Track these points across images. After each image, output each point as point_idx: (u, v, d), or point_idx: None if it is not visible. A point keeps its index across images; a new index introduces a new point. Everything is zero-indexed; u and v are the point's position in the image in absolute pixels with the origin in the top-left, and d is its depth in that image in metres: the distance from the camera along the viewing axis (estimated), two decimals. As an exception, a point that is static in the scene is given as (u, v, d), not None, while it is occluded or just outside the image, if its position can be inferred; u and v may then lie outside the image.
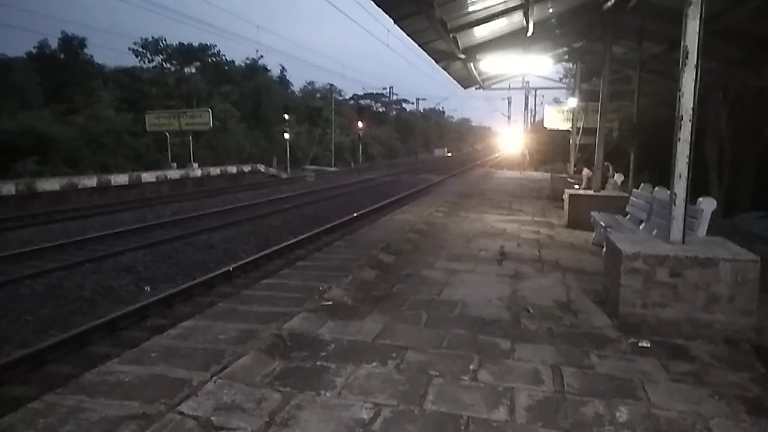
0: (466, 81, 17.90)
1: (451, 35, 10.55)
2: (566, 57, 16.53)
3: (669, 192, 4.66)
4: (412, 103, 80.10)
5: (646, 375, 3.47)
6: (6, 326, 6.72)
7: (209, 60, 46.62)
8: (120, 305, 7.38)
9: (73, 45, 37.33)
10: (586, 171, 11.89)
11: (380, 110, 77.30)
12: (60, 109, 31.21)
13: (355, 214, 15.57)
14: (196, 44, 45.32)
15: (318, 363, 3.56)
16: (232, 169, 31.56)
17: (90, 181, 21.16)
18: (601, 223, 7.50)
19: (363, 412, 2.93)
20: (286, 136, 38.65)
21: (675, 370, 3.56)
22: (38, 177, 21.23)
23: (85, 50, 37.94)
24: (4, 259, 9.97)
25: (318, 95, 60.33)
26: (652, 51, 12.10)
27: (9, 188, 17.68)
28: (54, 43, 37.10)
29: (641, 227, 7.14)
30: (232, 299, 5.20)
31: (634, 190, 8.94)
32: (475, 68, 14.71)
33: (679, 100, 4.36)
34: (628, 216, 8.07)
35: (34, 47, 36.95)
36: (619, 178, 11.40)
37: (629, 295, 4.33)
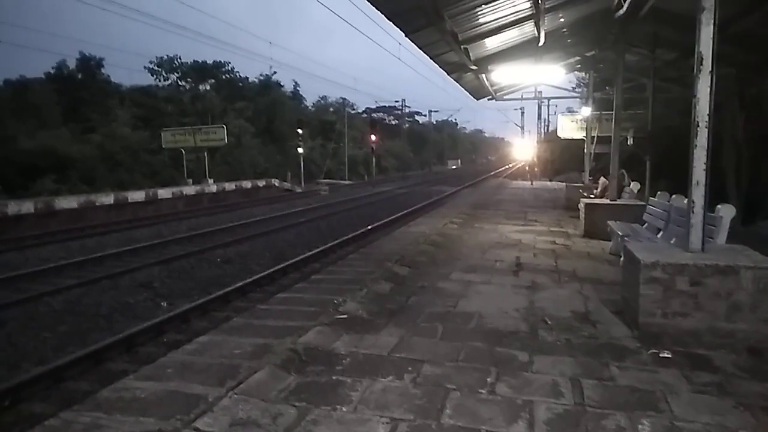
0: (479, 92, 17.94)
1: (462, 47, 10.60)
2: (579, 66, 16.49)
3: (686, 200, 4.59)
4: (425, 116, 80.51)
5: (668, 386, 3.39)
6: (25, 343, 6.79)
7: (223, 77, 47.22)
8: (137, 321, 7.42)
9: (90, 65, 38.10)
10: (602, 180, 11.78)
11: (393, 123, 77.63)
12: (78, 128, 31.81)
13: (369, 227, 15.56)
14: (210, 62, 46.01)
15: (333, 377, 3.54)
16: (247, 184, 31.77)
17: (107, 199, 21.39)
18: (618, 232, 7.41)
19: (379, 427, 2.90)
20: (300, 150, 38.89)
21: (697, 381, 3.48)
22: (56, 195, 21.56)
23: (102, 70, 38.79)
24: (24, 276, 10.09)
25: (331, 109, 60.79)
26: (666, 58, 12.03)
27: (28, 206, 17.93)
28: (72, 64, 37.98)
29: (659, 236, 7.05)
30: (247, 314, 5.20)
31: (650, 198, 8.84)
32: (487, 79, 14.74)
33: (695, 107, 4.32)
34: (646, 225, 7.97)
35: (53, 68, 37.83)
36: (635, 186, 11.29)
37: (648, 305, 4.26)
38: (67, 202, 19.65)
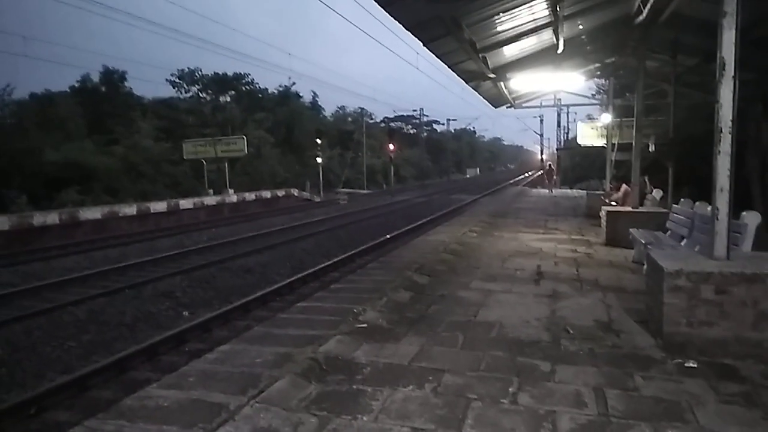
0: (497, 100, 17.87)
1: (480, 55, 10.57)
2: (598, 73, 16.35)
3: (710, 207, 4.52)
4: (443, 124, 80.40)
5: (694, 397, 3.33)
6: (50, 352, 6.90)
7: (243, 88, 47.76)
8: (159, 330, 7.51)
9: (113, 78, 38.84)
10: (623, 187, 11.66)
11: (411, 132, 77.65)
12: (101, 140, 32.39)
13: (388, 236, 15.57)
14: (230, 74, 46.60)
15: (354, 386, 3.54)
16: (267, 194, 32.02)
17: (130, 209, 21.72)
18: (641, 240, 7.32)
19: (400, 437, 2.89)
20: (319, 160, 39.15)
21: (724, 391, 3.41)
22: (81, 206, 21.95)
23: (125, 83, 39.47)
24: (49, 286, 10.27)
25: (349, 119, 61.07)
26: (688, 64, 11.88)
27: (53, 217, 18.28)
28: (96, 77, 38.72)
29: (683, 243, 6.94)
30: (268, 323, 5.22)
31: (673, 205, 8.73)
32: (505, 87, 14.68)
33: (718, 113, 4.26)
34: (669, 232, 7.87)
35: (77, 81, 38.59)
36: (657, 193, 11.15)
37: (673, 314, 4.19)
38: (91, 213, 20.00)
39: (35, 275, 11.58)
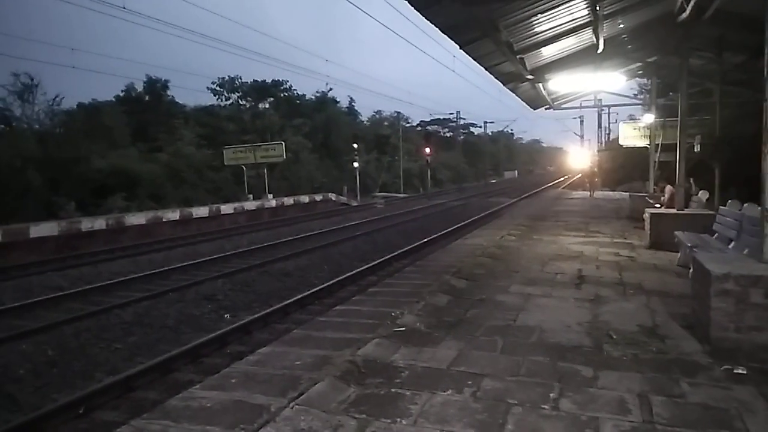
0: (535, 102, 17.69)
1: (518, 57, 10.50)
2: (640, 72, 16.03)
3: (760, 208, 4.37)
4: (480, 127, 79.73)
5: (743, 404, 3.22)
6: (98, 353, 7.12)
7: (282, 95, 48.39)
8: (202, 333, 7.66)
9: (156, 87, 40.04)
10: (668, 188, 11.35)
11: (447, 135, 77.30)
12: (145, 147, 33.41)
13: (425, 240, 15.53)
14: (269, 81, 47.26)
15: (392, 390, 3.54)
16: (305, 199, 32.34)
17: (173, 215, 22.24)
18: (687, 243, 7.11)
19: (440, 441, 2.88)
20: (356, 164, 39.35)
21: (777, 399, 3.29)
22: (126, 212, 22.64)
23: (168, 91, 40.64)
24: (96, 289, 10.60)
25: (385, 123, 61.16)
26: (734, 61, 11.53)
27: (101, 223, 18.88)
28: (139, 86, 40.00)
29: (730, 246, 6.73)
30: (306, 326, 5.28)
31: (720, 207, 8.46)
32: (543, 88, 14.52)
33: (766, 111, 4.12)
34: (716, 235, 7.63)
35: (122, 90, 40.00)
36: (703, 195, 10.82)
37: (721, 319, 4.06)
38: (136, 219, 20.58)
39: (83, 279, 11.98)
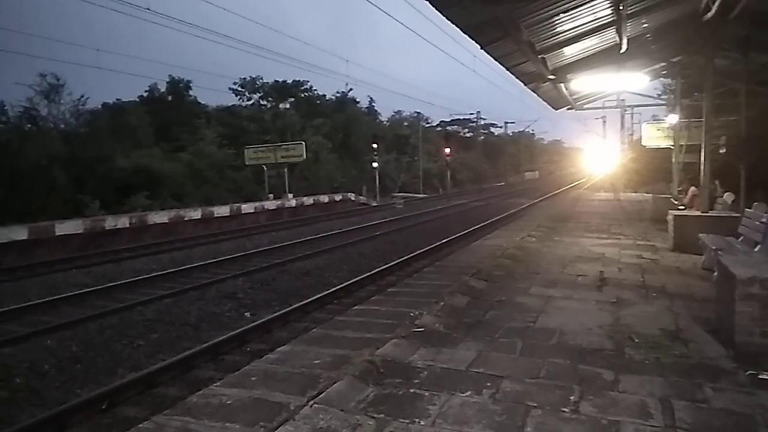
0: (557, 102, 17.53)
1: (539, 56, 10.42)
2: (664, 72, 15.79)
3: (788, 211, 4.28)
4: (501, 127, 79.27)
5: (768, 411, 3.16)
6: (120, 350, 7.24)
7: (302, 95, 48.66)
8: (222, 331, 7.74)
9: (179, 87, 40.60)
10: (692, 190, 11.17)
11: (467, 135, 76.96)
12: (168, 147, 33.88)
13: (444, 240, 15.48)
14: (290, 81, 47.56)
15: (411, 390, 3.54)
16: (324, 199, 32.47)
17: (195, 213, 22.49)
18: (711, 246, 6.99)
19: (458, 442, 2.87)
20: (375, 164, 39.38)
21: (805, 406, 3.21)
22: (149, 210, 22.96)
23: (190, 92, 41.13)
24: (120, 287, 10.77)
25: (405, 123, 61.10)
26: (761, 61, 11.30)
27: (124, 221, 19.18)
28: (162, 87, 40.60)
29: (756, 249, 6.59)
30: (326, 325, 5.31)
31: (746, 209, 8.30)
32: (565, 88, 14.38)
33: (796, 112, 4.03)
34: (741, 238, 7.48)
35: (145, 91, 40.62)
36: (728, 197, 10.63)
37: (746, 323, 3.99)
38: (159, 217, 20.85)
39: (107, 276, 12.18)
